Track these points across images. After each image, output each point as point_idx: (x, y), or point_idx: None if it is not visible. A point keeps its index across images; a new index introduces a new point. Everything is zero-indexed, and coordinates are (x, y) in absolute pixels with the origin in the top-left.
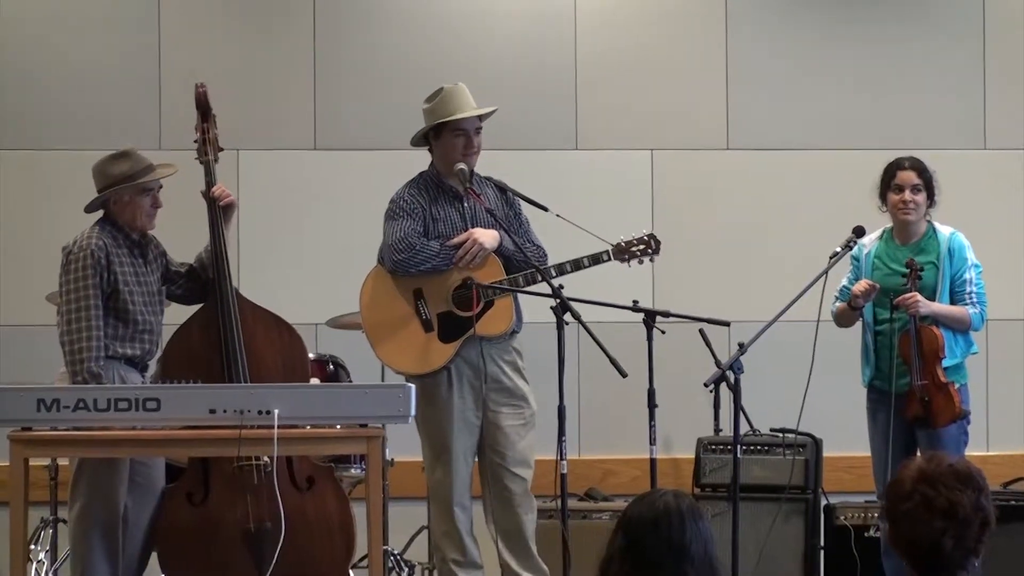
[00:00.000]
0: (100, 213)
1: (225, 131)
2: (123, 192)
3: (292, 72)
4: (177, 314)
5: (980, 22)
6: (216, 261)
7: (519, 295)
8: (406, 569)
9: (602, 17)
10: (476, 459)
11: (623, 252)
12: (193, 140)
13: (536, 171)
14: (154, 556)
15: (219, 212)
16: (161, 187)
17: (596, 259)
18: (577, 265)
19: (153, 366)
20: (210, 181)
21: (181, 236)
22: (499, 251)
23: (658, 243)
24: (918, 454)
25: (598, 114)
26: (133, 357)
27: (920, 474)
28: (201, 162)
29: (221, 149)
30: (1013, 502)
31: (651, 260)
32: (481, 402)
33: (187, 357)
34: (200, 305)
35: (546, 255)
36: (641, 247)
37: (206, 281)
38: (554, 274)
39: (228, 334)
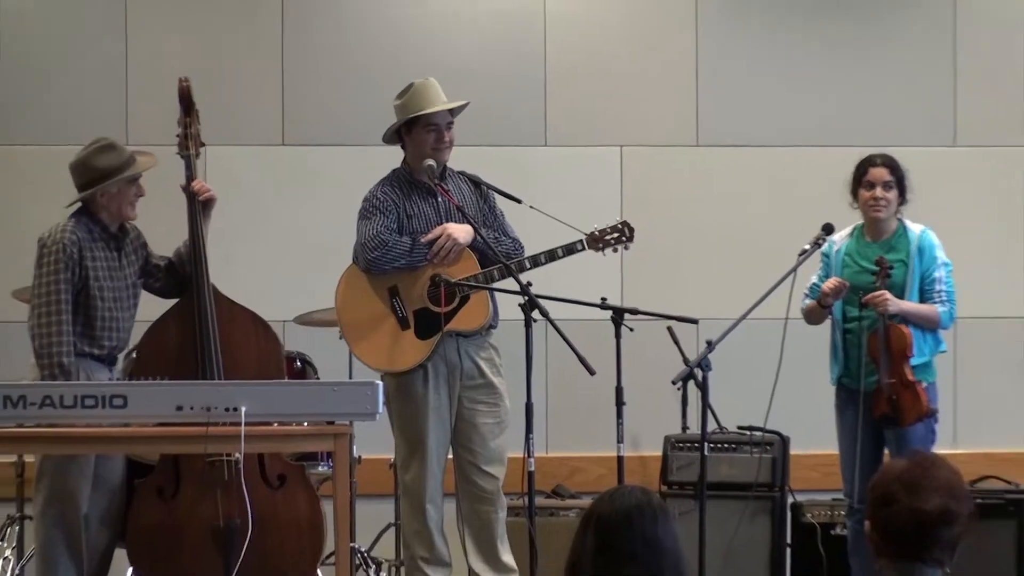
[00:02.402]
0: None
1: None
2: (107, 186)
3: (260, 66)
4: (156, 307)
5: (951, 18)
6: (194, 256)
7: (494, 289)
8: (373, 566)
9: (572, 13)
10: (450, 457)
11: (597, 241)
12: (176, 134)
13: (507, 167)
14: (122, 551)
15: (198, 207)
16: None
17: (570, 249)
18: (552, 256)
19: (123, 360)
20: (191, 175)
21: (157, 230)
22: (473, 245)
23: (632, 230)
24: (886, 453)
25: (568, 110)
26: (100, 355)
27: (910, 460)
28: (182, 156)
29: (203, 144)
30: (980, 500)
31: (625, 248)
32: (456, 399)
33: (162, 351)
34: (177, 299)
35: (522, 247)
36: (615, 235)
37: (184, 276)
38: (528, 266)
39: (204, 330)
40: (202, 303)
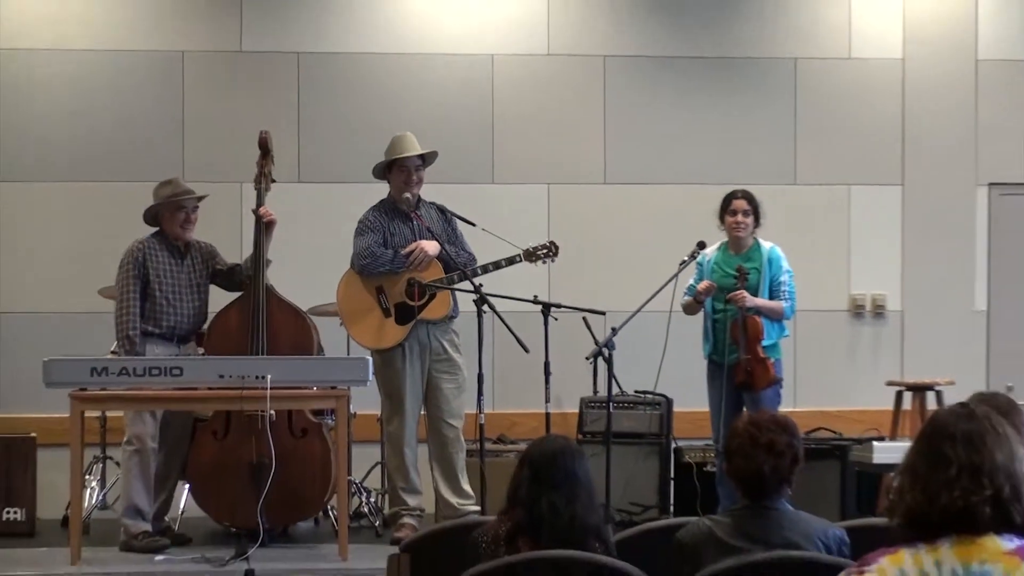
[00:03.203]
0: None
1: (229, 168)
2: (164, 208)
3: (281, 122)
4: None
5: (792, 87)
6: (256, 263)
7: (455, 288)
8: (364, 493)
9: (512, 83)
10: (422, 412)
11: (531, 255)
12: (256, 172)
13: (465, 199)
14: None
15: (263, 227)
16: (197, 207)
17: (511, 260)
18: (497, 265)
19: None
20: (260, 203)
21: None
22: (439, 256)
23: (557, 248)
24: (744, 410)
25: (509, 157)
26: (161, 333)
27: (749, 421)
28: (255, 189)
29: (274, 180)
30: (813, 446)
31: (552, 260)
32: (426, 370)
33: (224, 330)
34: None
35: (475, 259)
36: (544, 251)
37: (245, 277)
38: (480, 273)
39: (256, 317)
40: (256, 298)
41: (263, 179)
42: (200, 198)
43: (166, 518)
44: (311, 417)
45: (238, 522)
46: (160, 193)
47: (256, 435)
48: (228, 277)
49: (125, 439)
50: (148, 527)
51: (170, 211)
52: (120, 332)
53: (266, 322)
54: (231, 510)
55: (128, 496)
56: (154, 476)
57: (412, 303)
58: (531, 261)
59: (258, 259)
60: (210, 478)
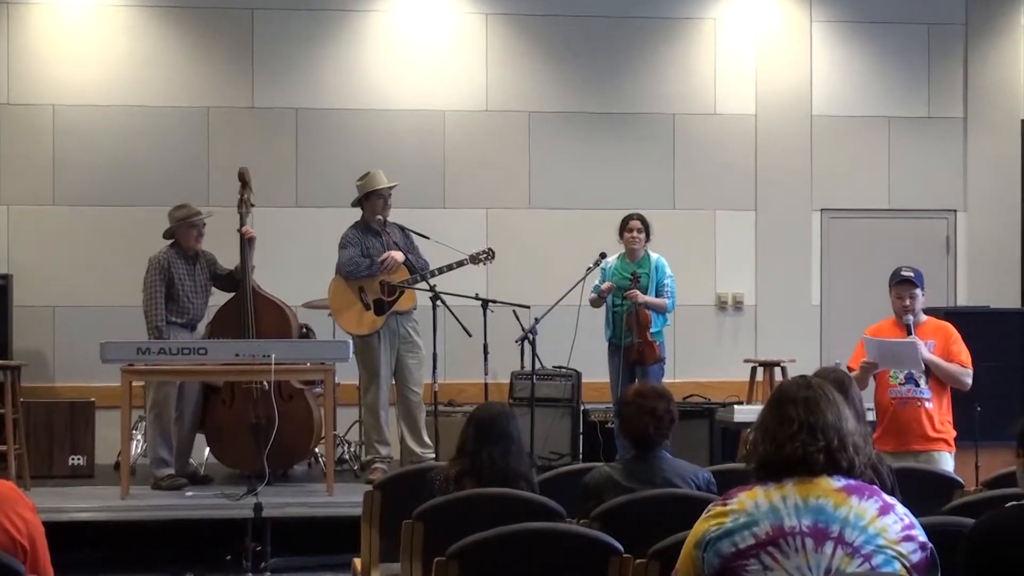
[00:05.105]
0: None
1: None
2: (180, 227)
3: (283, 162)
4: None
5: (672, 136)
6: (243, 271)
7: (416, 288)
8: (346, 445)
9: (459, 132)
10: (392, 383)
11: (475, 259)
12: (237, 199)
13: (421, 220)
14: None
15: (246, 243)
16: (205, 224)
17: (460, 263)
18: (449, 267)
19: (202, 326)
20: (242, 224)
21: (226, 251)
22: (405, 263)
23: (494, 253)
24: (636, 380)
25: (457, 186)
26: (182, 323)
27: (636, 391)
28: (238, 213)
29: (253, 205)
30: (687, 408)
31: (491, 261)
32: (396, 350)
33: (224, 320)
34: (233, 293)
35: (429, 264)
36: (484, 255)
37: (236, 281)
38: (436, 274)
39: (245, 310)
40: (245, 296)
41: (243, 205)
42: (207, 216)
43: (192, 462)
44: (296, 384)
45: (247, 468)
46: (176, 215)
47: (254, 402)
48: (224, 280)
49: (149, 403)
50: (171, 471)
51: (185, 229)
52: (149, 322)
53: (253, 313)
54: (241, 459)
55: (153, 450)
56: (176, 433)
57: (386, 299)
58: (474, 263)
59: (244, 267)
60: (223, 437)
